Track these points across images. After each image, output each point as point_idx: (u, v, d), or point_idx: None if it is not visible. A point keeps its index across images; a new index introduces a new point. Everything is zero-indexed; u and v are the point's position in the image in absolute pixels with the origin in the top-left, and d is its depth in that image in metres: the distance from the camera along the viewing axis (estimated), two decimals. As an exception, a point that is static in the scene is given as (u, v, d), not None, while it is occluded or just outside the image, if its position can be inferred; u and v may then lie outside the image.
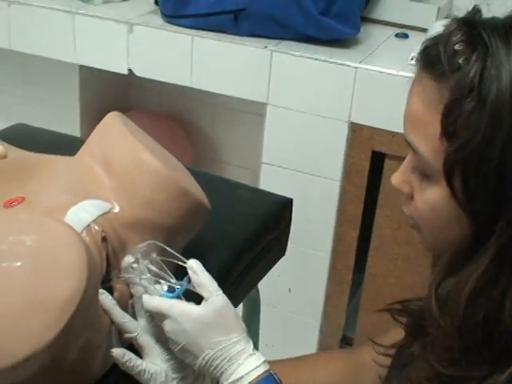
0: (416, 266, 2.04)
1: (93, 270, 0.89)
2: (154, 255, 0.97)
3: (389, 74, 1.85)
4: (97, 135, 1.10)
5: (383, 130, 1.89)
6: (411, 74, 1.87)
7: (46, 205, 1.00)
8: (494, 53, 0.78)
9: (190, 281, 0.95)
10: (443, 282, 0.86)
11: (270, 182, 2.06)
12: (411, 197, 0.89)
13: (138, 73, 2.13)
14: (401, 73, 1.84)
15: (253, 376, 0.91)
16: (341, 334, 2.26)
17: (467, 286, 0.82)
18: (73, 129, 2.41)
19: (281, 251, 1.44)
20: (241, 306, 1.47)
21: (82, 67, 2.29)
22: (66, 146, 1.15)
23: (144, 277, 0.96)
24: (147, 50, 2.09)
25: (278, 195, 1.43)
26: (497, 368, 0.81)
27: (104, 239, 0.97)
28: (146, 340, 0.97)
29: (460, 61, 0.79)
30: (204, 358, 0.92)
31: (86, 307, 0.87)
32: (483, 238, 0.81)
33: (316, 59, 1.90)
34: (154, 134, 2.48)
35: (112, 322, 0.96)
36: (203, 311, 0.92)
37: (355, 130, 1.94)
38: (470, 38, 0.80)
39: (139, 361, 0.95)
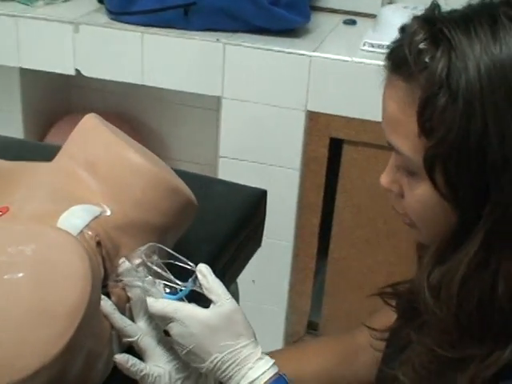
0: (377, 247, 2.08)
1: (96, 275, 0.87)
2: (155, 257, 0.96)
3: (343, 60, 1.87)
4: (76, 138, 1.07)
5: (340, 116, 1.91)
6: (365, 60, 1.89)
7: (33, 213, 0.97)
8: (457, 46, 0.79)
9: (194, 283, 0.94)
10: (433, 271, 0.87)
11: (229, 175, 2.05)
12: (401, 195, 0.90)
13: (85, 73, 2.10)
14: (354, 58, 1.86)
15: (264, 379, 0.91)
16: (307, 320, 2.28)
17: (459, 272, 0.83)
18: (17, 132, 2.36)
19: (257, 243, 1.45)
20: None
21: (22, 70, 2.24)
22: (14, 149, 1.12)
23: (147, 280, 0.94)
24: (94, 50, 2.06)
25: (252, 188, 1.43)
26: (497, 346, 0.82)
27: (98, 244, 0.96)
28: (147, 343, 0.96)
29: (426, 59, 0.81)
30: (212, 362, 0.91)
31: (92, 314, 0.85)
32: (470, 224, 0.82)
33: (269, 50, 1.91)
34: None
35: (112, 328, 0.95)
36: (211, 314, 0.92)
37: (312, 118, 1.95)
38: (432, 35, 0.81)
39: (143, 365, 0.94)
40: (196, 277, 0.95)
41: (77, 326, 0.82)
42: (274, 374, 0.92)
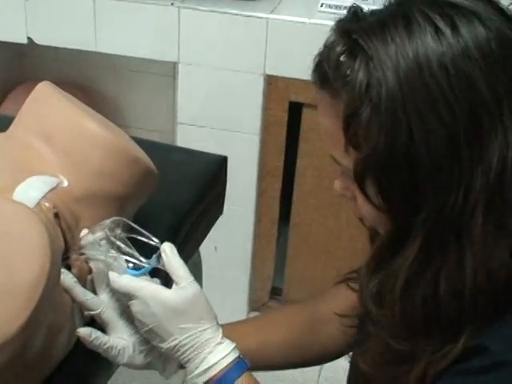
0: (339, 211, 2.07)
1: (54, 248, 0.85)
2: (119, 231, 0.94)
3: (301, 22, 1.84)
4: (30, 107, 1.04)
5: (299, 79, 1.89)
6: (322, 21, 1.87)
7: (-13, 186, 0.94)
8: (373, 55, 0.77)
9: (158, 261, 0.92)
10: (372, 280, 0.88)
11: (188, 142, 2.02)
12: (355, 199, 0.89)
13: (38, 41, 2.04)
14: (312, 20, 1.84)
15: (223, 364, 0.90)
16: (270, 285, 2.28)
17: (399, 278, 0.83)
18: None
19: (219, 210, 1.43)
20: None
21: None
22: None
23: (110, 254, 0.92)
24: (46, 17, 2.01)
25: (212, 154, 1.41)
26: (446, 340, 0.82)
27: (56, 215, 0.93)
28: (109, 316, 0.94)
29: (345, 73, 0.79)
30: (170, 343, 0.90)
31: (52, 288, 0.83)
32: (406, 231, 0.81)
33: (225, 13, 1.87)
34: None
35: (73, 301, 0.93)
36: (174, 296, 0.90)
37: (271, 82, 1.92)
38: (349, 47, 0.79)
39: (106, 338, 0.92)
40: (160, 254, 0.93)
41: (36, 301, 0.79)
42: (235, 359, 0.91)
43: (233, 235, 2.17)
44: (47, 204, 0.93)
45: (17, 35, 2.04)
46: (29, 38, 2.03)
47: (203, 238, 1.38)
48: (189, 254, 1.32)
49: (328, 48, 0.82)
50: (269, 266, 2.23)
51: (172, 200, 1.26)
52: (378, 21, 0.80)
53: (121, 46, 1.99)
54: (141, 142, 1.40)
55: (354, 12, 0.84)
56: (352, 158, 0.82)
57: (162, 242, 1.17)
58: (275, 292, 2.30)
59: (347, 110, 0.79)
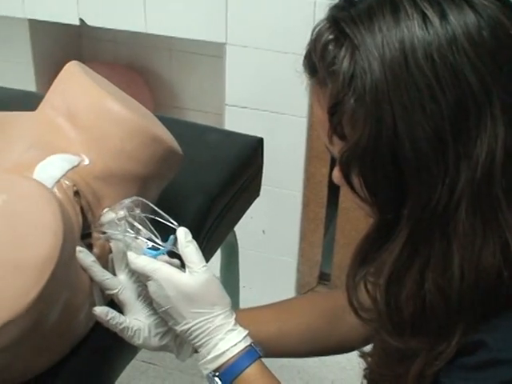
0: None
1: (68, 227, 0.85)
2: (138, 211, 0.94)
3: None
4: (57, 86, 1.05)
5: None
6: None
7: (11, 163, 0.96)
8: (360, 45, 0.74)
9: (173, 244, 0.92)
10: (358, 272, 0.87)
11: (236, 123, 2.02)
12: None
13: (89, 22, 2.06)
14: (361, 2, 1.80)
15: (234, 351, 0.89)
16: (318, 270, 2.26)
17: (384, 271, 0.81)
18: (29, 85, 2.34)
19: (255, 192, 1.42)
20: (219, 251, 1.45)
21: (31, 21, 2.22)
22: (21, 101, 1.10)
23: (127, 234, 0.92)
24: (98, -2, 2.03)
25: (247, 135, 1.40)
26: (439, 339, 0.80)
27: (76, 193, 0.94)
28: (127, 296, 0.95)
29: (331, 62, 0.77)
30: (183, 327, 0.91)
31: (65, 266, 0.84)
32: (391, 225, 0.80)
33: (273, -6, 1.85)
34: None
35: (92, 280, 0.93)
36: (187, 281, 0.90)
37: (319, 64, 1.90)
38: (336, 36, 0.77)
39: (122, 318, 0.93)
40: (176, 237, 0.93)
41: (47, 278, 0.81)
42: (246, 347, 0.90)
43: (281, 219, 2.16)
44: (67, 182, 0.93)
45: (69, 16, 2.06)
46: (81, 20, 2.05)
47: (237, 220, 1.38)
48: (221, 235, 1.32)
49: (316, 36, 0.80)
50: (317, 251, 2.21)
51: (204, 181, 1.26)
52: (367, 8, 0.76)
53: (169, 27, 1.99)
54: (176, 123, 1.41)
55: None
56: (337, 149, 0.80)
57: (190, 222, 1.18)
58: (323, 277, 2.29)
59: (331, 99, 0.77)
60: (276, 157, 2.03)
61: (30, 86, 2.35)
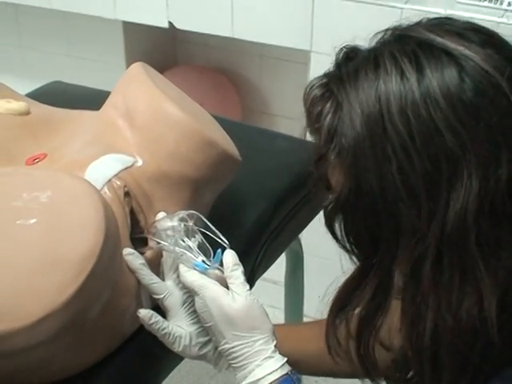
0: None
1: (112, 226, 0.86)
2: (192, 223, 0.94)
3: (436, 13, 1.76)
4: (120, 87, 1.06)
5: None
6: (460, 13, 1.78)
7: (67, 160, 0.97)
8: (344, 101, 0.75)
9: (221, 263, 0.92)
10: (338, 316, 0.88)
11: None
12: None
13: (178, 25, 2.08)
14: (449, 11, 1.75)
15: (270, 379, 0.88)
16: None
17: (353, 319, 0.83)
18: (119, 86, 2.39)
19: (321, 201, 1.39)
20: (284, 258, 1.43)
21: (125, 23, 2.26)
22: (102, 101, 1.11)
23: (177, 249, 0.92)
24: (187, 2, 2.04)
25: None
26: None
27: (127, 194, 0.94)
28: (171, 302, 0.95)
29: (318, 117, 0.79)
30: (223, 346, 0.90)
31: (106, 264, 0.84)
32: (366, 271, 0.80)
33: (360, 2, 1.82)
34: (201, 88, 2.45)
35: (139, 283, 0.94)
36: (231, 303, 0.89)
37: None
38: (322, 93, 0.79)
39: (165, 323, 0.93)
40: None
41: (86, 275, 0.81)
42: (282, 375, 0.89)
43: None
44: (118, 182, 0.94)
45: (158, 19, 2.09)
46: (169, 23, 2.08)
47: (302, 228, 1.36)
48: (284, 242, 1.30)
49: (307, 90, 0.82)
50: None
51: (268, 187, 1.25)
52: (354, 65, 0.78)
53: (255, 33, 1.99)
54: (244, 128, 1.41)
55: (345, 53, 0.83)
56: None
57: (251, 227, 1.18)
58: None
59: (316, 153, 0.81)
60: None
61: (122, 87, 2.40)
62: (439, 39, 0.74)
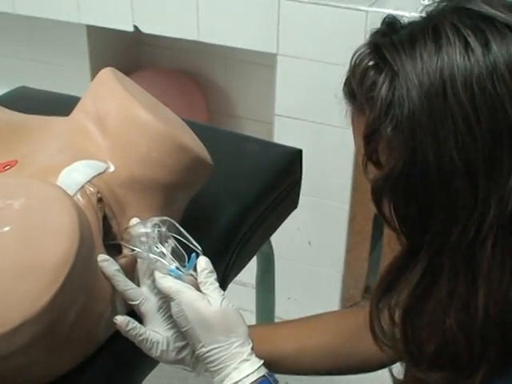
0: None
1: (86, 233, 0.86)
2: (165, 229, 0.94)
3: (401, 16, 1.78)
4: (90, 92, 1.06)
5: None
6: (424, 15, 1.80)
7: (39, 167, 0.97)
8: (400, 71, 0.72)
9: (195, 268, 0.93)
10: (382, 300, 0.85)
11: (284, 133, 2.01)
12: None
13: (143, 29, 2.08)
14: (413, 14, 1.77)
15: (246, 382, 0.89)
16: (363, 284, 2.23)
17: (402, 301, 0.80)
18: (85, 90, 2.37)
19: (292, 204, 1.41)
20: (255, 260, 1.44)
21: (89, 27, 2.25)
22: (70, 107, 1.11)
23: (152, 256, 0.93)
24: (152, 5, 2.04)
25: (286, 147, 1.39)
26: (461, 375, 0.77)
27: (100, 200, 0.94)
28: (147, 308, 0.95)
29: (369, 88, 0.75)
30: (200, 350, 0.91)
31: (81, 271, 0.84)
32: (415, 255, 0.77)
33: (325, 5, 1.84)
34: (167, 91, 2.45)
35: (115, 289, 0.94)
36: (208, 307, 0.90)
37: (368, 76, 1.87)
38: (376, 62, 0.75)
39: (142, 329, 0.93)
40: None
41: (62, 282, 0.81)
42: (259, 378, 0.89)
43: (327, 231, 2.14)
44: (92, 188, 0.94)
45: (123, 23, 2.08)
46: (135, 26, 2.07)
47: (273, 231, 1.37)
48: (255, 245, 1.31)
49: (356, 62, 0.78)
50: (362, 265, 2.18)
51: (239, 191, 1.26)
52: (409, 34, 0.75)
53: (221, 36, 1.99)
54: (214, 131, 1.42)
55: (389, 23, 0.80)
56: (371, 176, 0.78)
57: (223, 231, 1.18)
58: (369, 291, 2.25)
59: (368, 127, 0.75)
60: (324, 167, 2.02)
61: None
62: (502, 15, 0.72)
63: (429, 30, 0.73)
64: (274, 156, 1.35)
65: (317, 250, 2.18)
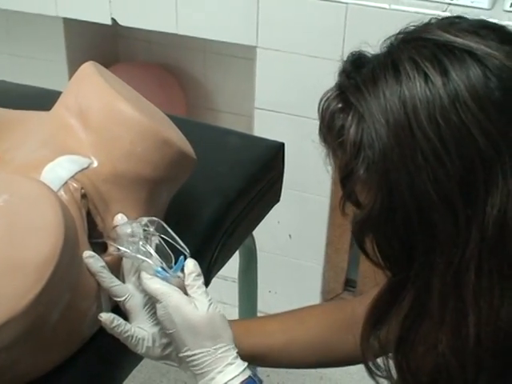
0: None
1: (71, 229, 0.85)
2: (152, 229, 0.94)
3: (381, 8, 1.78)
4: (72, 87, 1.05)
5: (377, 66, 1.83)
6: (404, 7, 1.80)
7: (20, 162, 0.95)
8: (365, 112, 0.72)
9: (182, 270, 0.92)
10: (372, 334, 0.86)
11: (264, 127, 2.01)
12: None
13: (121, 22, 2.06)
14: (393, 6, 1.77)
15: None
16: (344, 277, 2.24)
17: (393, 334, 0.81)
18: (62, 84, 2.35)
19: (275, 197, 1.40)
20: (237, 254, 1.43)
21: (66, 20, 2.23)
22: (48, 101, 1.10)
23: (139, 256, 0.92)
24: (130, -2, 2.03)
25: (268, 140, 1.39)
26: None
27: (84, 196, 0.93)
28: (133, 305, 0.94)
29: (339, 133, 0.75)
30: (185, 353, 0.90)
31: (66, 268, 0.83)
32: (401, 285, 0.78)
33: (305, -3, 1.83)
34: (144, 85, 2.43)
35: (100, 286, 0.93)
36: (194, 312, 0.89)
37: (348, 68, 1.87)
38: (341, 106, 0.76)
39: (128, 326, 0.92)
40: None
41: (47, 279, 0.80)
42: (244, 380, 0.89)
43: (307, 224, 2.14)
44: (75, 184, 0.93)
45: (101, 16, 2.06)
46: (113, 19, 2.05)
47: (255, 225, 1.36)
48: (238, 239, 1.30)
49: (324, 106, 0.78)
50: (343, 258, 2.18)
51: (221, 185, 1.25)
52: (371, 72, 0.74)
53: (200, 29, 1.98)
54: (197, 126, 1.41)
55: (353, 61, 0.79)
56: (351, 216, 0.79)
57: (206, 225, 1.17)
58: (349, 284, 2.26)
59: (342, 171, 0.76)
60: (304, 161, 2.02)
61: (63, 85, 2.36)
62: (460, 40, 0.72)
63: (388, 66, 0.73)
64: (257, 150, 1.35)
65: (297, 243, 2.18)
